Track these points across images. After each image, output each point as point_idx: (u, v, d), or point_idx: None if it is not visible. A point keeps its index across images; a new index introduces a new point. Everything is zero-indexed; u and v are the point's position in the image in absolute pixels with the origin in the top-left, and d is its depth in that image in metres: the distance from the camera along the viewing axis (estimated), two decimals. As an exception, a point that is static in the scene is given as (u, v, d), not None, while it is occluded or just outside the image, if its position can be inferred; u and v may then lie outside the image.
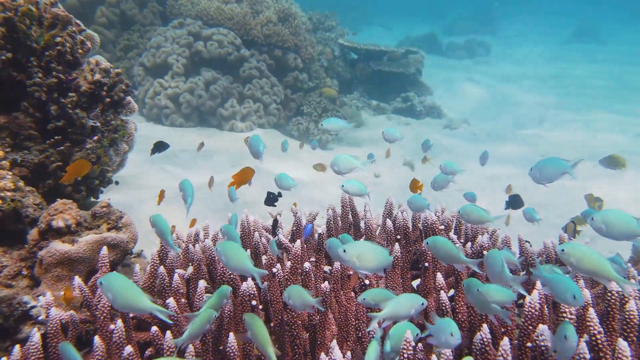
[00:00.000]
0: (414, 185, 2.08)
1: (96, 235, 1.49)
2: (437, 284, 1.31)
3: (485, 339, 1.00)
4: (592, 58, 12.65)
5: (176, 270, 1.41)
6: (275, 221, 1.85)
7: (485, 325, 1.01)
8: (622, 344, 0.92)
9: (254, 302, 1.27)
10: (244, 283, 1.27)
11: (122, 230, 1.58)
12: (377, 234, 1.85)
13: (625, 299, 1.15)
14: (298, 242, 1.46)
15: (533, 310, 1.07)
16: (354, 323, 1.37)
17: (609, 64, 11.80)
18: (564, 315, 1.02)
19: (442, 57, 12.32)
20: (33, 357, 1.01)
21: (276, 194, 1.98)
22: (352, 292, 1.54)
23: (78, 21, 2.18)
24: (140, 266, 1.79)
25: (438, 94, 8.21)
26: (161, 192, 2.26)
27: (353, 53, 7.74)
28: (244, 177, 1.72)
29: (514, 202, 2.08)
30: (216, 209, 3.58)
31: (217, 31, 5.79)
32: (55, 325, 1.12)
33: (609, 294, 1.10)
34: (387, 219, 1.68)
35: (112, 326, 1.17)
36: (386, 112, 7.30)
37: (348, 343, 1.41)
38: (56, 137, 1.99)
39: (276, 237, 1.79)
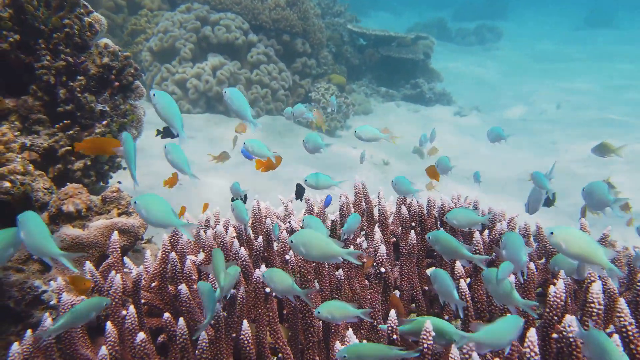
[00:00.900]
0: (432, 172, 2.02)
1: (107, 220, 1.47)
2: (456, 272, 1.27)
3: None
4: (605, 43, 12.41)
5: (187, 257, 1.39)
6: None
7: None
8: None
9: (267, 289, 1.24)
10: (257, 270, 1.24)
11: (132, 215, 1.56)
12: (390, 221, 1.82)
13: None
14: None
15: (558, 301, 1.04)
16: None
17: (621, 49, 11.56)
18: (592, 306, 0.99)
19: (451, 43, 12.15)
20: (44, 342, 0.99)
21: (303, 186, 1.90)
22: (366, 280, 1.51)
23: (86, 3, 2.13)
24: (151, 252, 1.78)
25: (448, 80, 8.10)
26: (174, 175, 2.22)
27: (362, 39, 7.63)
28: (270, 164, 1.67)
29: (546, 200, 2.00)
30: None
31: (225, 16, 5.71)
32: (67, 310, 1.10)
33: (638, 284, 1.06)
34: (402, 206, 1.64)
35: (124, 312, 1.15)
36: (395, 98, 7.22)
37: (362, 331, 1.38)
38: (65, 121, 1.96)
39: (288, 224, 1.76)
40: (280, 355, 1.21)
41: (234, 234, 1.60)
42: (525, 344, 0.89)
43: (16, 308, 1.31)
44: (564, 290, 1.05)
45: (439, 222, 1.69)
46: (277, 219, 1.92)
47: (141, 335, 1.02)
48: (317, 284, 1.46)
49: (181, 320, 1.08)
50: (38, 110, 1.92)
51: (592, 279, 1.13)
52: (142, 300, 1.30)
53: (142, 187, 3.50)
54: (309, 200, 1.82)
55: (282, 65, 5.88)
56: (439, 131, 6.11)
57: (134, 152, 1.24)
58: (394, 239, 1.74)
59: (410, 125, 6.30)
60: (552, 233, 0.96)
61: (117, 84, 2.18)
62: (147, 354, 1.04)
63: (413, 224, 1.64)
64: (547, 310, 1.06)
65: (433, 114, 6.91)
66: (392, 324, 1.13)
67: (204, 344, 1.04)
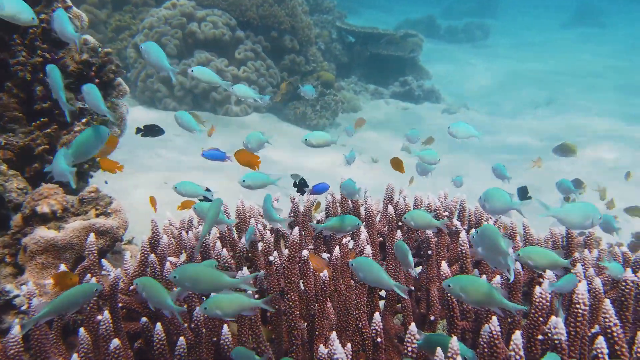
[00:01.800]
0: (395, 163, 1.99)
1: (84, 222, 1.42)
2: (441, 272, 1.25)
3: (494, 332, 0.95)
4: (594, 42, 12.53)
5: (168, 258, 1.35)
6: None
7: (494, 318, 0.96)
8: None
9: (249, 292, 1.21)
10: (240, 271, 1.21)
11: (111, 216, 1.51)
12: (377, 220, 1.79)
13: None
14: (296, 229, 1.40)
15: (544, 301, 1.02)
16: (354, 313, 1.32)
17: (609, 48, 11.68)
18: (577, 307, 0.97)
19: (440, 40, 12.16)
20: (12, 350, 0.94)
21: (301, 180, 1.85)
22: (352, 281, 1.49)
23: (64, -3, 2.07)
24: (132, 253, 1.73)
25: (437, 77, 8.11)
26: (151, 199, 2.16)
27: (351, 36, 7.60)
28: (247, 159, 1.61)
29: (522, 192, 2.01)
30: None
31: (212, 12, 5.64)
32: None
33: (623, 283, 1.05)
34: (389, 205, 1.61)
35: (99, 317, 1.11)
36: (384, 96, 7.20)
37: (347, 333, 1.36)
38: (42, 119, 1.91)
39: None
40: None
41: (217, 234, 1.57)
42: (511, 347, 0.87)
43: (-13, 313, 1.26)
44: (550, 291, 1.03)
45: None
46: (262, 218, 1.88)
47: (115, 342, 0.98)
48: (302, 285, 1.43)
49: (158, 325, 1.04)
50: (13, 107, 1.86)
51: (578, 278, 1.12)
52: (120, 304, 1.26)
53: (126, 185, 3.40)
54: (294, 199, 1.79)
55: (270, 62, 5.82)
56: (428, 130, 6.10)
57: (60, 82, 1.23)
58: (381, 238, 1.72)
59: (399, 123, 6.29)
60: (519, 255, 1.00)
61: (97, 80, 2.12)
62: (123, 361, 1.00)
63: (400, 223, 1.62)
64: (533, 311, 1.04)
65: (422, 111, 6.91)
66: (377, 327, 1.10)
67: (181, 349, 1.01)
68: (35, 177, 1.86)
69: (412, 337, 0.99)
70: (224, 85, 1.65)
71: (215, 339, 1.17)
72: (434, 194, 1.77)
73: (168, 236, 1.52)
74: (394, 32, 7.72)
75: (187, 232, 1.57)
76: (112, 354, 0.98)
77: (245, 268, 1.27)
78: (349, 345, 1.14)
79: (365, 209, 1.65)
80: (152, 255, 1.28)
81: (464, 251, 1.31)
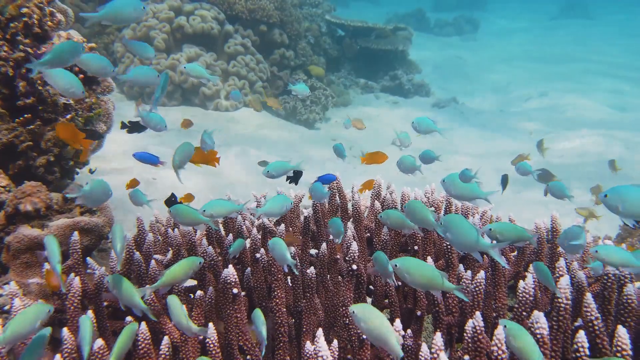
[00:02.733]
0: (369, 158, 1.99)
1: (68, 220, 1.40)
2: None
3: (478, 327, 0.96)
4: (581, 33, 12.61)
5: (154, 256, 1.34)
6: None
7: (478, 313, 0.96)
8: (622, 331, 0.88)
9: (235, 290, 1.20)
10: (226, 269, 1.20)
11: (96, 213, 1.49)
12: (365, 215, 1.80)
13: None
14: (282, 225, 1.40)
15: (527, 296, 1.03)
16: (341, 309, 1.32)
17: (597, 39, 11.77)
18: (560, 300, 0.98)
19: (430, 34, 12.16)
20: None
21: (299, 170, 1.85)
22: (340, 277, 1.49)
23: (47, -9, 2.03)
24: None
25: (426, 71, 8.11)
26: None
27: (340, 30, 7.56)
28: (205, 158, 1.59)
29: (505, 180, 2.03)
30: (211, 187, 3.49)
31: (200, 5, 5.58)
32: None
33: (606, 277, 1.06)
34: (376, 201, 1.62)
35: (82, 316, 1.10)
36: (374, 90, 7.20)
37: (335, 329, 1.36)
38: (26, 116, 1.88)
39: (260, 220, 1.72)
40: (248, 357, 1.18)
41: (204, 232, 1.56)
42: (493, 342, 0.87)
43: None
44: (533, 285, 1.04)
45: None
46: (250, 214, 1.88)
47: (99, 342, 0.97)
48: (289, 281, 1.43)
49: (143, 324, 1.04)
50: (-5, 104, 1.83)
51: (560, 273, 1.13)
52: (105, 303, 1.25)
53: (115, 182, 3.36)
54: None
55: (259, 57, 5.78)
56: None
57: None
58: (369, 234, 1.72)
59: (389, 117, 6.30)
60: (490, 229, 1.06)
61: (81, 76, 2.10)
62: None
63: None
64: (517, 305, 1.05)
65: (412, 105, 6.92)
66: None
67: (166, 349, 1.00)
68: (19, 174, 1.84)
69: (398, 333, 0.99)
70: (213, 81, 1.68)
71: (201, 337, 1.17)
72: (431, 189, 1.78)
73: (154, 233, 1.51)
74: (384, 25, 7.69)
75: (173, 229, 1.56)
76: (96, 353, 0.97)
77: (231, 266, 1.26)
78: (335, 341, 1.14)
79: (352, 205, 1.65)
80: (137, 253, 1.27)
81: (449, 246, 1.32)
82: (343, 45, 7.38)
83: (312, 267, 1.36)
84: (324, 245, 1.41)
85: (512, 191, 4.08)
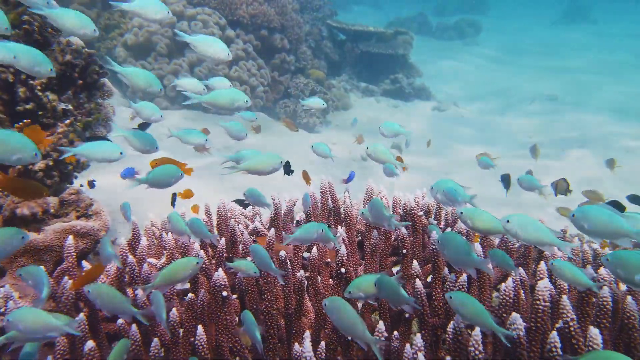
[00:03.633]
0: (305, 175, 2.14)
1: (64, 224, 1.44)
2: (412, 271, 1.28)
3: (457, 328, 0.98)
4: (583, 38, 12.61)
5: (147, 259, 1.37)
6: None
7: (457, 315, 0.99)
8: (594, 331, 0.91)
9: (224, 293, 1.23)
10: (216, 273, 1.23)
11: (92, 218, 1.53)
12: (357, 219, 1.82)
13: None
14: (272, 230, 1.43)
15: (507, 298, 1.05)
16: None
17: (597, 46, 11.76)
18: (538, 303, 1.00)
19: (431, 38, 12.20)
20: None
21: (287, 163, 1.92)
22: (330, 280, 1.51)
23: (48, -1, 2.08)
24: (114, 254, 1.75)
25: (427, 75, 8.14)
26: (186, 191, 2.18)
27: (341, 34, 7.61)
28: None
29: (506, 180, 2.06)
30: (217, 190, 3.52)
31: (202, 10, 5.63)
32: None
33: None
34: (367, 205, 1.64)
35: (75, 319, 1.13)
36: (375, 94, 7.23)
37: (326, 331, 1.39)
38: (25, 121, 1.92)
39: (254, 224, 1.75)
40: (237, 359, 1.20)
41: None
42: (471, 343, 0.90)
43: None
44: (514, 288, 1.06)
45: (402, 220, 1.70)
46: (245, 218, 1.91)
47: (89, 344, 1.00)
48: (281, 280, 1.46)
49: (133, 326, 1.07)
50: (-5, 110, 1.87)
51: (540, 276, 1.15)
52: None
53: (115, 187, 3.40)
54: (274, 199, 1.81)
55: (260, 62, 5.83)
56: (417, 128, 6.13)
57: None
58: (360, 237, 1.75)
59: (389, 121, 6.32)
60: (507, 221, 1.03)
61: (80, 82, 2.14)
62: (100, 361, 1.02)
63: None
64: (498, 307, 1.07)
65: (412, 109, 6.94)
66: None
67: (155, 350, 1.03)
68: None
69: (380, 335, 1.02)
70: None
71: (191, 339, 1.20)
72: (422, 193, 1.80)
73: (149, 237, 1.54)
74: (385, 29, 7.73)
75: (167, 233, 1.59)
76: (87, 355, 1.00)
77: (220, 269, 1.29)
78: (322, 343, 1.17)
79: (344, 210, 1.68)
80: (131, 256, 1.30)
81: (436, 250, 1.35)
82: (344, 49, 7.42)
83: (301, 271, 1.38)
84: (314, 249, 1.44)
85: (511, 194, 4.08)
